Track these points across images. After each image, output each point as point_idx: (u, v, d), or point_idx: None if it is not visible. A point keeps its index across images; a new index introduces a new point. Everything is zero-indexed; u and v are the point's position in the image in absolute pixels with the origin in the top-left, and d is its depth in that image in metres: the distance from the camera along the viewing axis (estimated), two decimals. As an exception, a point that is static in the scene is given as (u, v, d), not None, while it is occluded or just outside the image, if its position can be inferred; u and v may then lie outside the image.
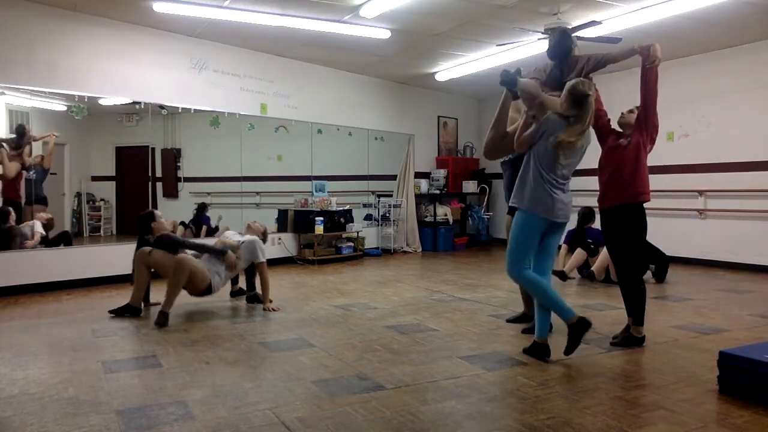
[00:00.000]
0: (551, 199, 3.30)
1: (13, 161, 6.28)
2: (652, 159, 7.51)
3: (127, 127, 8.17)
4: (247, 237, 5.06)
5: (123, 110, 7.78)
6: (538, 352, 3.39)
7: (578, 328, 3.28)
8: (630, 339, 3.67)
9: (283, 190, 8.76)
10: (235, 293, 5.39)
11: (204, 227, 8.01)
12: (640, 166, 3.66)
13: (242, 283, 5.36)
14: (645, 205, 3.68)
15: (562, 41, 3.89)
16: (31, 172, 6.42)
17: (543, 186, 3.30)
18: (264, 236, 5.32)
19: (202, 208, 8.21)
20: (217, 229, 8.03)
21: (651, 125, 3.74)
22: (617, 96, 8.49)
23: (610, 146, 3.78)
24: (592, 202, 4.25)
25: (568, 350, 3.32)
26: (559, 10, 5.78)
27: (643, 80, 3.77)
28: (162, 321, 4.30)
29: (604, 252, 5.94)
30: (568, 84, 3.36)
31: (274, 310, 4.82)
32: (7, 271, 5.63)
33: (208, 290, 4.74)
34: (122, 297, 5.05)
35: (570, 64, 3.86)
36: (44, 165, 6.67)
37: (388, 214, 9.34)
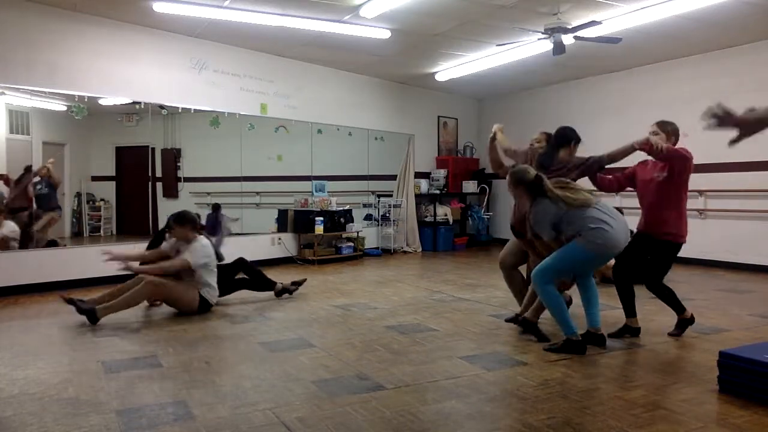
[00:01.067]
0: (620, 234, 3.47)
1: (17, 197, 6.45)
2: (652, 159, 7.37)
3: (127, 127, 8.17)
4: (188, 251, 4.62)
5: (123, 110, 7.78)
6: (592, 341, 3.57)
7: (574, 345, 3.48)
8: (626, 329, 3.87)
9: (283, 190, 8.75)
10: (280, 292, 5.37)
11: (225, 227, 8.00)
12: (662, 201, 3.79)
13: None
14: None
15: (568, 130, 4.09)
16: (39, 187, 6.63)
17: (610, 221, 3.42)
18: (195, 227, 4.76)
19: (216, 209, 8.19)
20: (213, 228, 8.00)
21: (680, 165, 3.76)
22: (617, 95, 8.53)
23: (644, 180, 3.94)
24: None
25: (550, 349, 3.55)
26: (559, 10, 5.78)
27: (659, 159, 3.79)
28: (91, 318, 4.23)
29: None
30: (509, 176, 3.60)
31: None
32: (7, 271, 5.63)
33: (204, 306, 4.65)
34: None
35: (563, 156, 4.01)
36: (54, 181, 6.74)
37: (388, 214, 9.33)
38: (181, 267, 4.58)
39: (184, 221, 4.70)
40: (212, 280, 4.76)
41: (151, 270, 4.50)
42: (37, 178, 6.63)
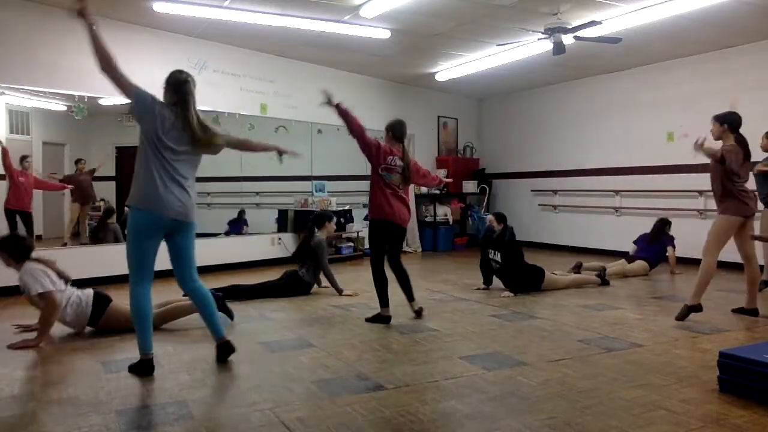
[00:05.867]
0: (165, 192, 3.04)
1: None
2: (652, 159, 7.49)
3: (127, 127, 8.15)
4: (28, 284, 3.84)
5: (123, 110, 7.76)
6: (143, 368, 3.11)
7: (143, 366, 3.11)
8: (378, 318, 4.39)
9: (283, 190, 8.75)
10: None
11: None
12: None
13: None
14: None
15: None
16: None
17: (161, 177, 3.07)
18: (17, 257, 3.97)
19: (241, 213, 8.40)
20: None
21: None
22: (617, 95, 8.53)
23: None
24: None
25: (129, 369, 3.17)
26: (559, 10, 5.78)
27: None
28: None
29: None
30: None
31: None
32: (7, 271, 5.61)
33: None
34: (122, 296, 5.04)
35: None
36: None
37: (388, 214, 9.32)
38: (54, 305, 3.80)
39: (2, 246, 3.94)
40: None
41: (44, 335, 3.81)
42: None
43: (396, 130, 4.58)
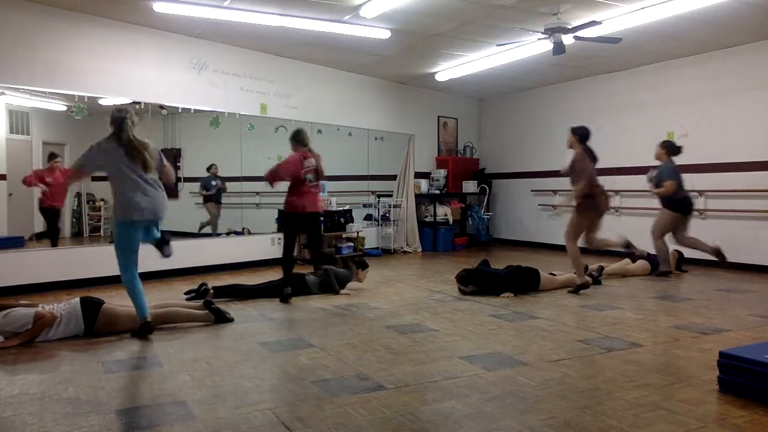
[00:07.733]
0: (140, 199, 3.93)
1: None
2: (652, 159, 7.43)
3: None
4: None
5: (123, 110, 7.77)
6: (144, 330, 3.96)
7: (143, 328, 3.97)
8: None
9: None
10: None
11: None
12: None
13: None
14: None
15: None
16: (215, 183, 8.39)
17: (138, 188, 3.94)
18: None
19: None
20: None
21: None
22: (617, 95, 8.53)
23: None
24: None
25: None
26: (559, 10, 5.78)
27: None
28: None
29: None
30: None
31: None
32: (7, 271, 5.63)
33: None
34: (122, 296, 5.05)
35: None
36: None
37: (388, 214, 9.33)
38: (47, 317, 3.87)
39: None
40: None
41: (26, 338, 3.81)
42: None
43: (298, 137, 5.47)
